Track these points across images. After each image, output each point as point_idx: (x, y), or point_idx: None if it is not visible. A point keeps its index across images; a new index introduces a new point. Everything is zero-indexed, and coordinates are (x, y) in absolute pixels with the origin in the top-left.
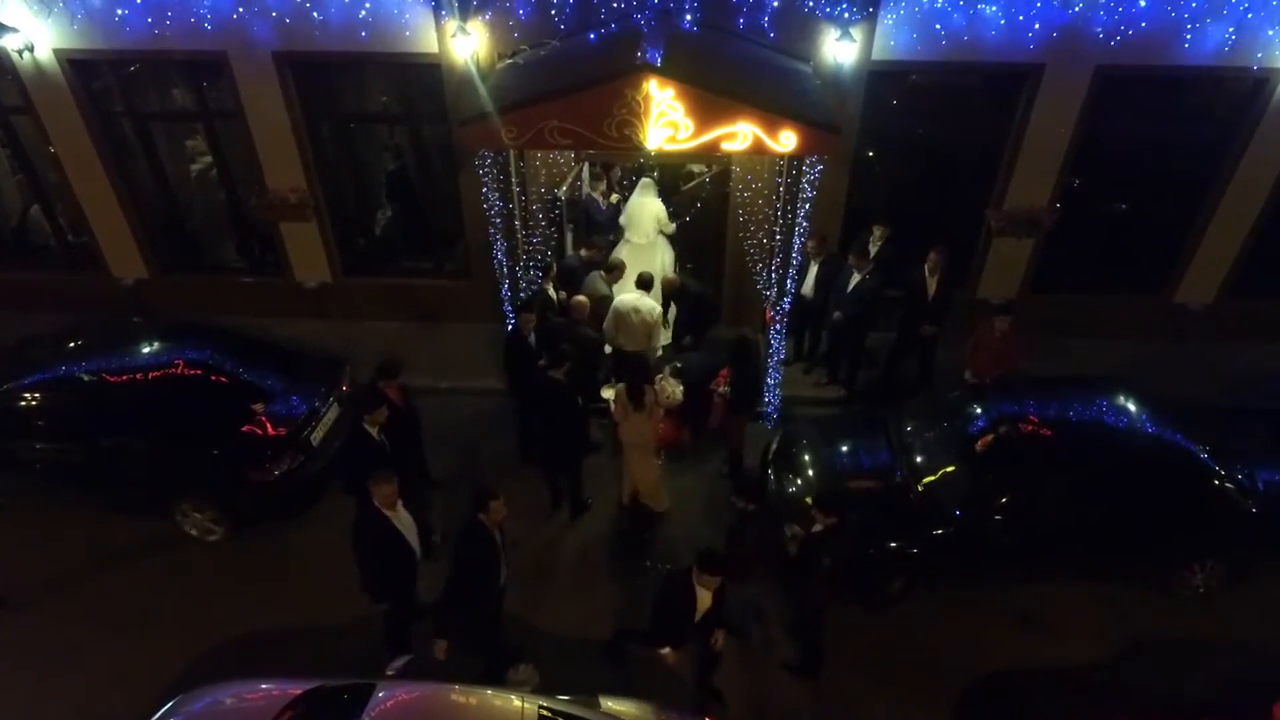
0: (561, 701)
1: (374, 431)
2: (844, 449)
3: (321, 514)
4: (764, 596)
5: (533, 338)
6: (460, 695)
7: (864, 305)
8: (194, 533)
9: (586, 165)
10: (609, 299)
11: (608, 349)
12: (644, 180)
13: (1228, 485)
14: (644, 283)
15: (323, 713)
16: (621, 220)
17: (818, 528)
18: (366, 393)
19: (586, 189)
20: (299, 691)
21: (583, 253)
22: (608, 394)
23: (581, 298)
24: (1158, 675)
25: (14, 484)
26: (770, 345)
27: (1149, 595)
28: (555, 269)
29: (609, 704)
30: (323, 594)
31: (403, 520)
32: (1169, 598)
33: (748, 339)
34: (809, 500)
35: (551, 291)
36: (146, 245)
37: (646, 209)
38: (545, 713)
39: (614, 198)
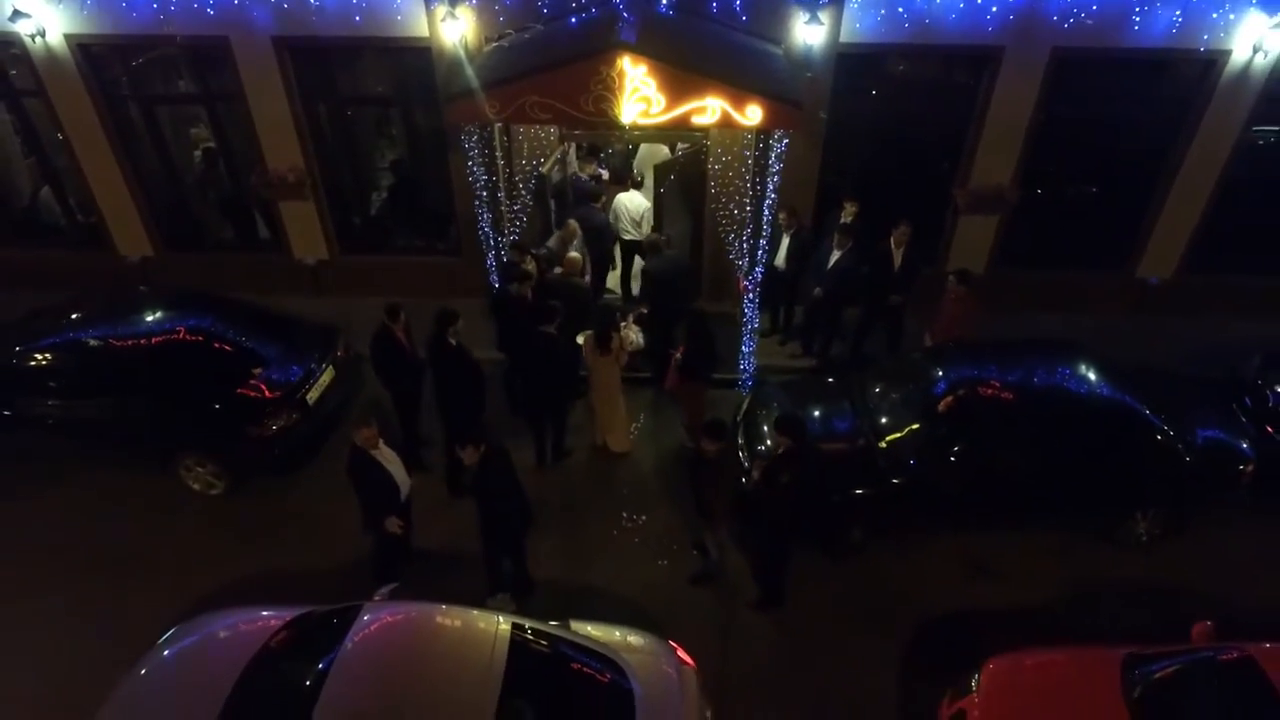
0: (534, 622)
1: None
2: (811, 409)
3: (319, 470)
4: (732, 541)
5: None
6: (440, 614)
7: (843, 282)
8: (196, 487)
9: (573, 147)
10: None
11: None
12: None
13: (1168, 440)
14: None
15: (312, 634)
16: (610, 217)
17: (778, 450)
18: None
19: (574, 169)
20: (290, 616)
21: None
22: (580, 340)
23: (574, 255)
24: (1101, 617)
25: (28, 439)
26: (745, 314)
27: (1096, 544)
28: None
29: (578, 628)
30: (318, 543)
31: (386, 455)
32: (1114, 546)
33: (698, 311)
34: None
35: (530, 266)
36: (152, 224)
37: (633, 204)
38: (518, 632)
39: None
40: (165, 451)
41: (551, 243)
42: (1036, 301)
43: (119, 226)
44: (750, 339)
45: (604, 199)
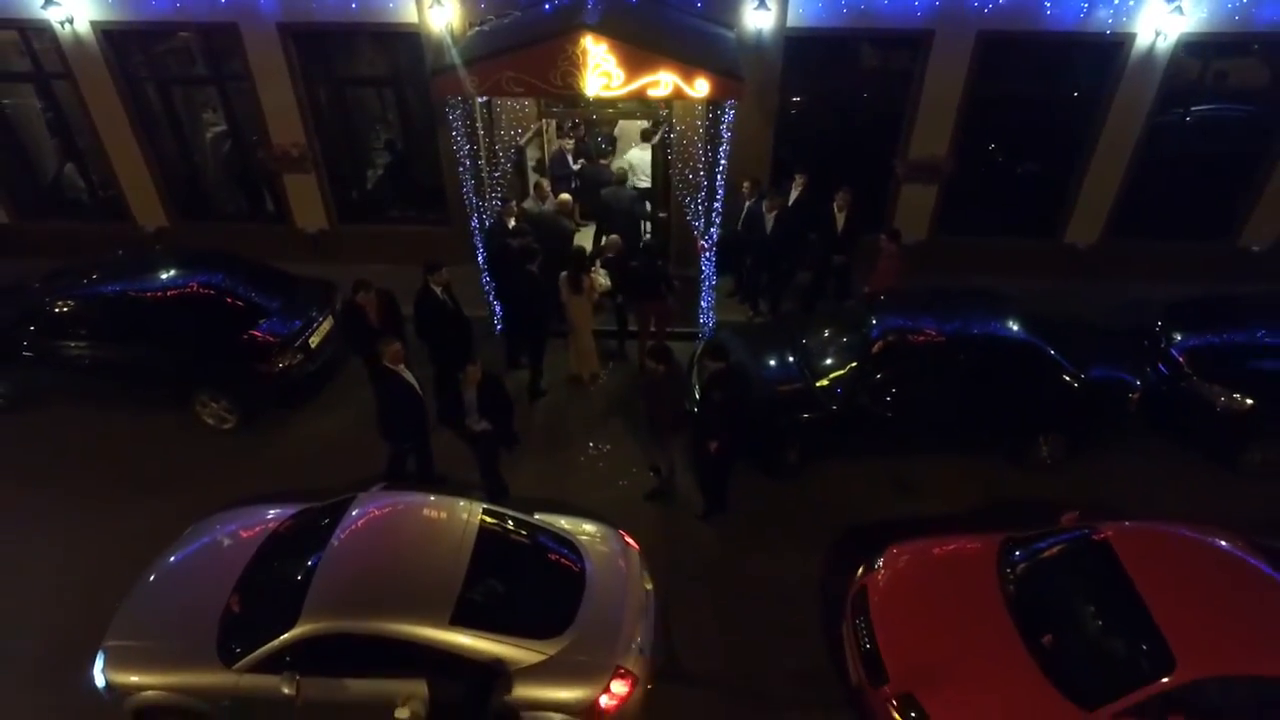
0: (502, 509)
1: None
2: (759, 350)
3: (321, 405)
4: (680, 459)
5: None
6: (420, 501)
7: (782, 243)
8: (210, 421)
9: (554, 124)
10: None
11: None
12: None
13: (1068, 373)
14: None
15: (314, 520)
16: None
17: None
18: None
19: (556, 144)
20: (294, 510)
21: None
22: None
23: (566, 196)
24: (1006, 526)
25: (59, 378)
26: (703, 272)
27: (1004, 467)
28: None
29: (541, 519)
30: (320, 467)
31: (409, 377)
32: (1021, 468)
33: (652, 244)
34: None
35: (511, 222)
36: (167, 196)
37: (641, 160)
38: (487, 516)
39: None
40: (183, 389)
41: (527, 203)
42: (975, 266)
43: (137, 199)
44: (709, 295)
45: (610, 158)
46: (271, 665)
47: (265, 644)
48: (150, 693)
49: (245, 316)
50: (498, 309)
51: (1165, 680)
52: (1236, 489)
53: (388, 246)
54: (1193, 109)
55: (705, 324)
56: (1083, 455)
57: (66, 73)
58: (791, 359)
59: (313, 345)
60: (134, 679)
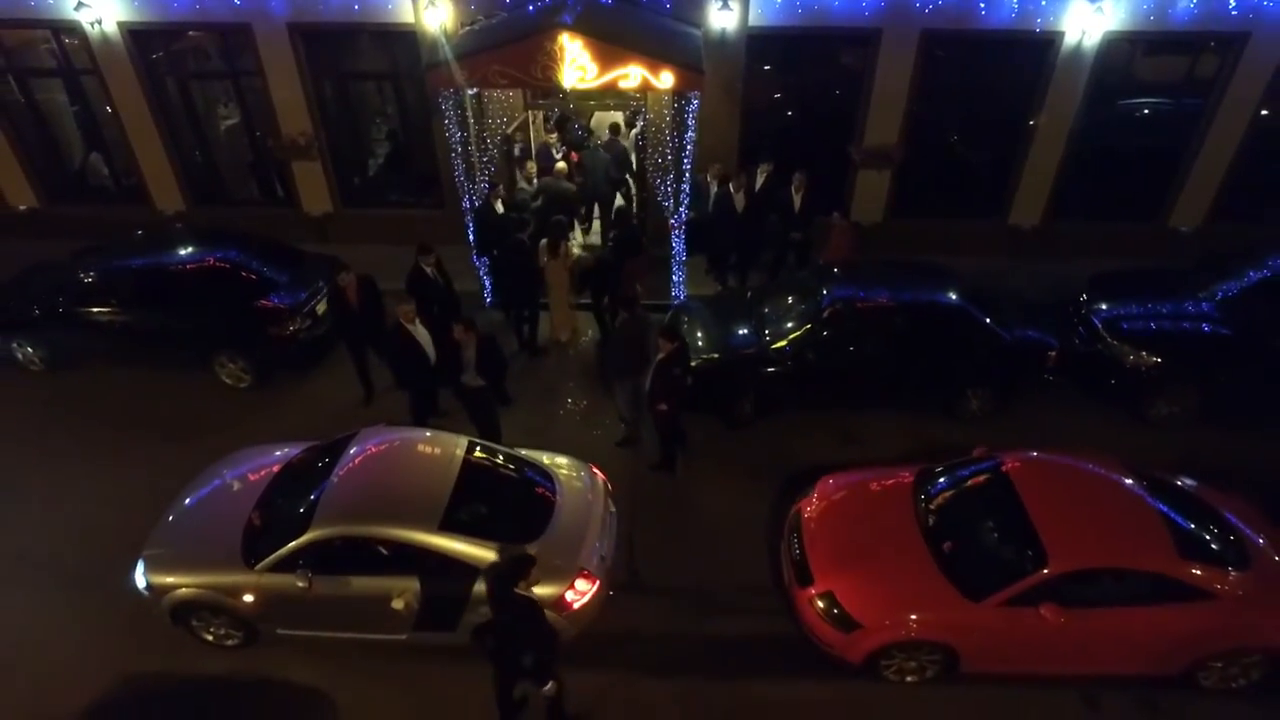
0: (485, 441)
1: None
2: (721, 317)
3: (326, 368)
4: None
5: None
6: (413, 435)
7: (750, 224)
8: (228, 381)
9: (541, 116)
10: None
11: None
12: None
13: (995, 334)
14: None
15: (323, 452)
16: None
17: (661, 355)
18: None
19: (542, 137)
20: (305, 445)
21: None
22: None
23: (561, 164)
24: None
25: (92, 343)
26: (673, 249)
27: (939, 419)
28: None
29: (521, 452)
30: (327, 420)
31: (420, 334)
32: (954, 420)
33: (626, 209)
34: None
35: (499, 206)
36: (184, 183)
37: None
38: (471, 447)
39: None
40: (204, 351)
41: (520, 185)
42: (928, 246)
43: (156, 185)
44: (681, 270)
45: (594, 141)
46: (287, 566)
47: (282, 547)
48: (184, 591)
49: (258, 286)
50: (488, 283)
51: (1040, 573)
52: (1145, 437)
53: (387, 229)
54: (1121, 101)
55: (676, 297)
56: (1009, 408)
57: (94, 69)
58: (749, 322)
59: (319, 313)
60: (169, 580)
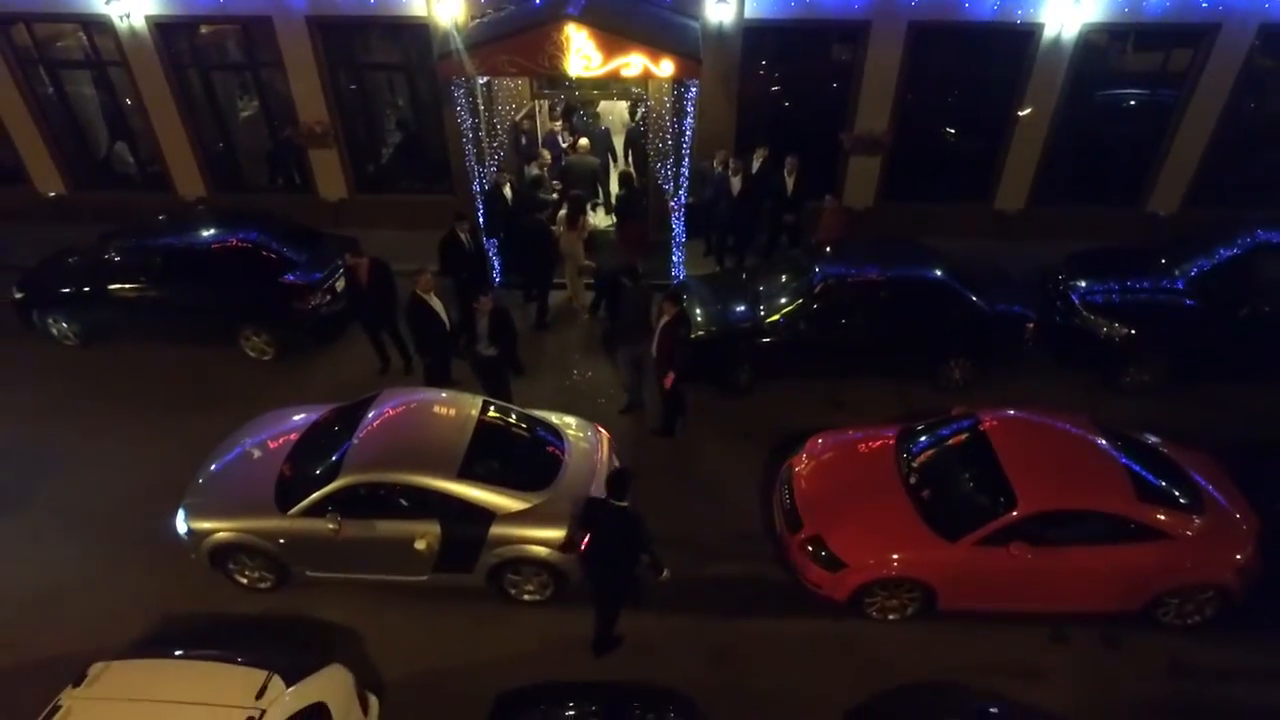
0: (501, 405)
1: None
2: (719, 293)
3: (344, 342)
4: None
5: (509, 191)
6: (432, 393)
7: (746, 207)
8: (252, 354)
9: (548, 105)
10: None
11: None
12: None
13: (976, 308)
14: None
15: (350, 410)
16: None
17: (666, 319)
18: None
19: (548, 125)
20: (330, 407)
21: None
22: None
23: (584, 141)
24: None
25: (123, 319)
26: (673, 229)
27: (923, 387)
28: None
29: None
30: (345, 389)
31: (435, 304)
32: (937, 388)
33: (629, 172)
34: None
35: (508, 191)
36: (205, 170)
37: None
38: (486, 405)
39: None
40: (230, 326)
41: (532, 167)
42: (918, 229)
43: (179, 172)
44: (680, 252)
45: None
46: (317, 511)
47: (314, 493)
48: (222, 535)
49: (282, 264)
50: (497, 264)
51: (1010, 515)
52: (1117, 403)
53: (399, 213)
54: (1100, 91)
55: (676, 276)
56: (989, 377)
57: (121, 61)
58: (746, 298)
59: (338, 289)
60: (209, 525)
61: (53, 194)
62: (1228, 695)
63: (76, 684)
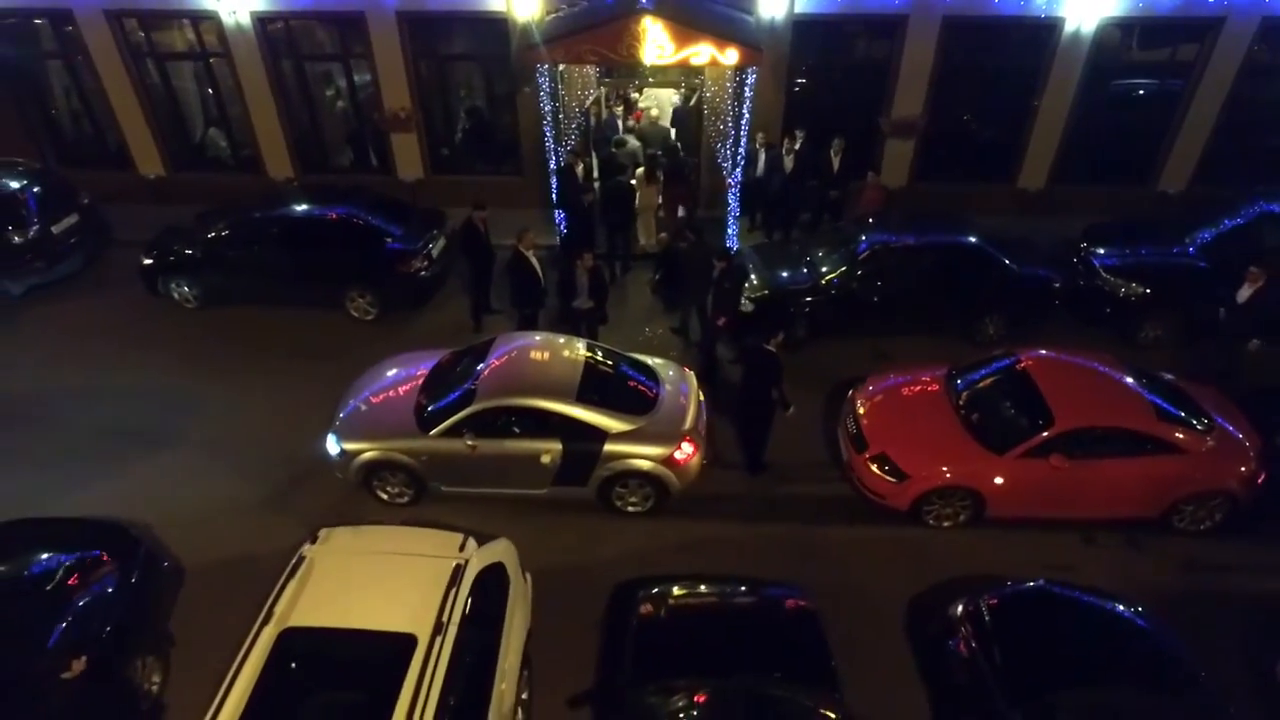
0: (602, 347)
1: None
2: (777, 261)
3: (435, 305)
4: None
5: (581, 169)
6: (546, 336)
7: (796, 183)
8: (356, 315)
9: (605, 92)
10: None
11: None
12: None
13: (1009, 270)
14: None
15: (466, 352)
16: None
17: (718, 271)
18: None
19: (608, 111)
20: (447, 351)
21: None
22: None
23: (654, 111)
24: None
25: (238, 283)
26: (729, 204)
27: (959, 341)
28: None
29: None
30: (444, 341)
31: (533, 261)
32: (973, 344)
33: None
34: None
35: (580, 169)
36: (295, 153)
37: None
38: (591, 347)
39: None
40: (339, 287)
41: (616, 138)
42: (947, 207)
43: (270, 155)
44: (735, 225)
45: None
46: (455, 432)
47: (453, 416)
48: (371, 454)
49: (384, 233)
50: (561, 227)
51: (1047, 432)
52: (1134, 356)
53: (470, 194)
54: (1115, 80)
55: (730, 247)
56: (1018, 333)
57: (224, 52)
58: (799, 263)
59: (434, 255)
60: (359, 445)
61: (153, 176)
62: (1228, 585)
63: (312, 541)
